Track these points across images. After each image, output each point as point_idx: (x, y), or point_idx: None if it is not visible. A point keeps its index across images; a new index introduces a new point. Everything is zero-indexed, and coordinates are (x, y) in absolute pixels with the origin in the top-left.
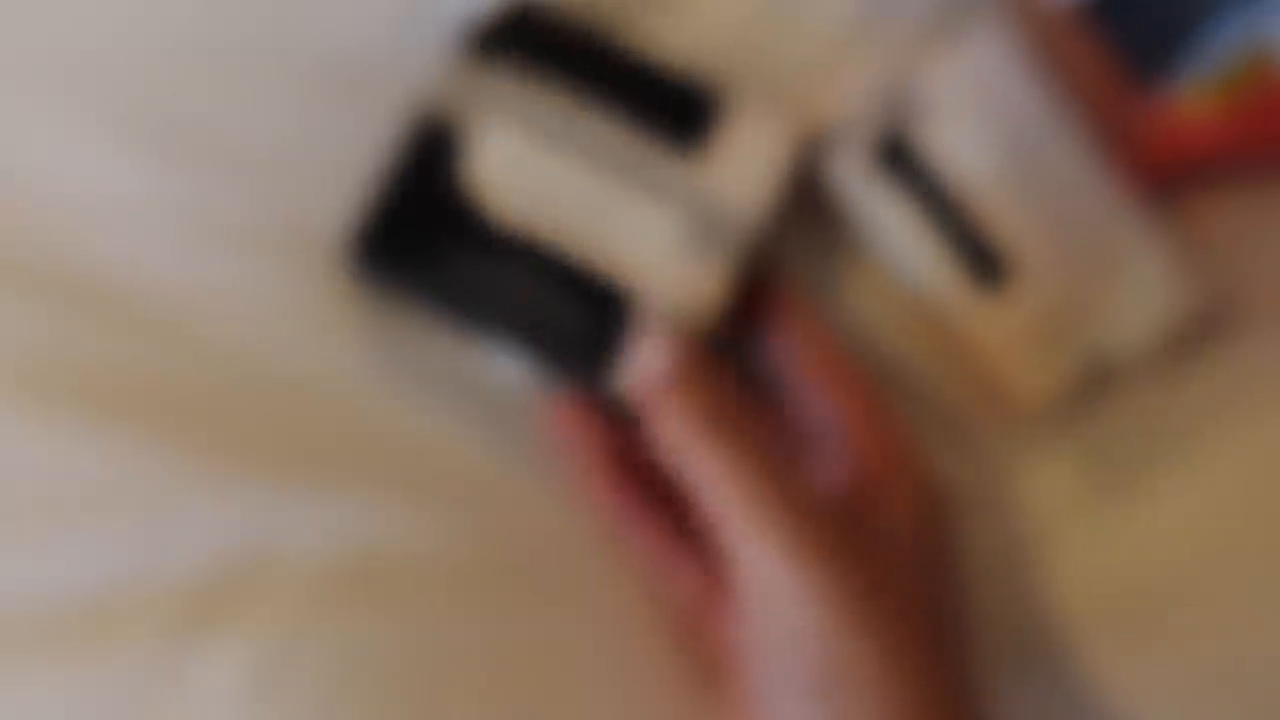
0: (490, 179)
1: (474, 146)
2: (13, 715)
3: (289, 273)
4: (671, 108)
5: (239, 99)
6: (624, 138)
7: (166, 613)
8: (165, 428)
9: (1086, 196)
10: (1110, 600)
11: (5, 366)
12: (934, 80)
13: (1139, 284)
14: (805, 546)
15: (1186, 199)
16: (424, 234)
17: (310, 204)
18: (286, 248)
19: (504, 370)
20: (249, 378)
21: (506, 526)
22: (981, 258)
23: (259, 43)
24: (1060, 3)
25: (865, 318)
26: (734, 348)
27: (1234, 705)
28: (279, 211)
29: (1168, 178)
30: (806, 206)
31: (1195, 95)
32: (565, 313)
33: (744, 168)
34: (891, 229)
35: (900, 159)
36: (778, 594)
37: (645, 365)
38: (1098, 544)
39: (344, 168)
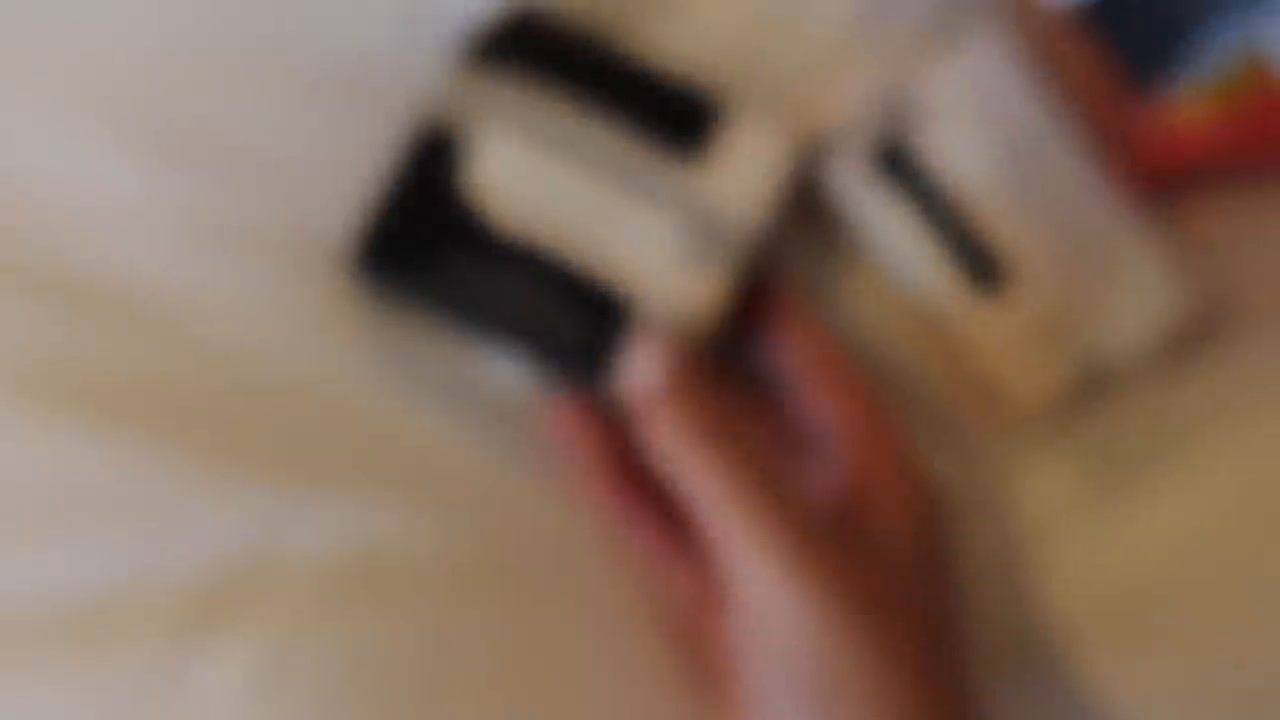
0: (491, 184)
1: (475, 152)
2: (18, 715)
3: (290, 276)
4: (671, 114)
5: (241, 103)
6: (623, 144)
7: (169, 613)
8: (167, 430)
9: (1084, 199)
10: (1108, 601)
11: (7, 368)
12: (932, 85)
13: (1136, 286)
14: (801, 563)
15: (1184, 201)
16: (425, 239)
17: (311, 208)
18: (288, 251)
19: (504, 373)
20: (251, 380)
21: (506, 527)
22: (980, 261)
23: (261, 47)
24: (1058, 7)
25: (864, 320)
26: (734, 350)
27: (1231, 706)
28: (280, 215)
29: (1165, 181)
30: (806, 210)
31: (1192, 99)
32: (565, 317)
33: (743, 173)
34: (890, 232)
35: (899, 163)
36: (774, 610)
37: (640, 373)
38: (1095, 545)
39: (345, 172)
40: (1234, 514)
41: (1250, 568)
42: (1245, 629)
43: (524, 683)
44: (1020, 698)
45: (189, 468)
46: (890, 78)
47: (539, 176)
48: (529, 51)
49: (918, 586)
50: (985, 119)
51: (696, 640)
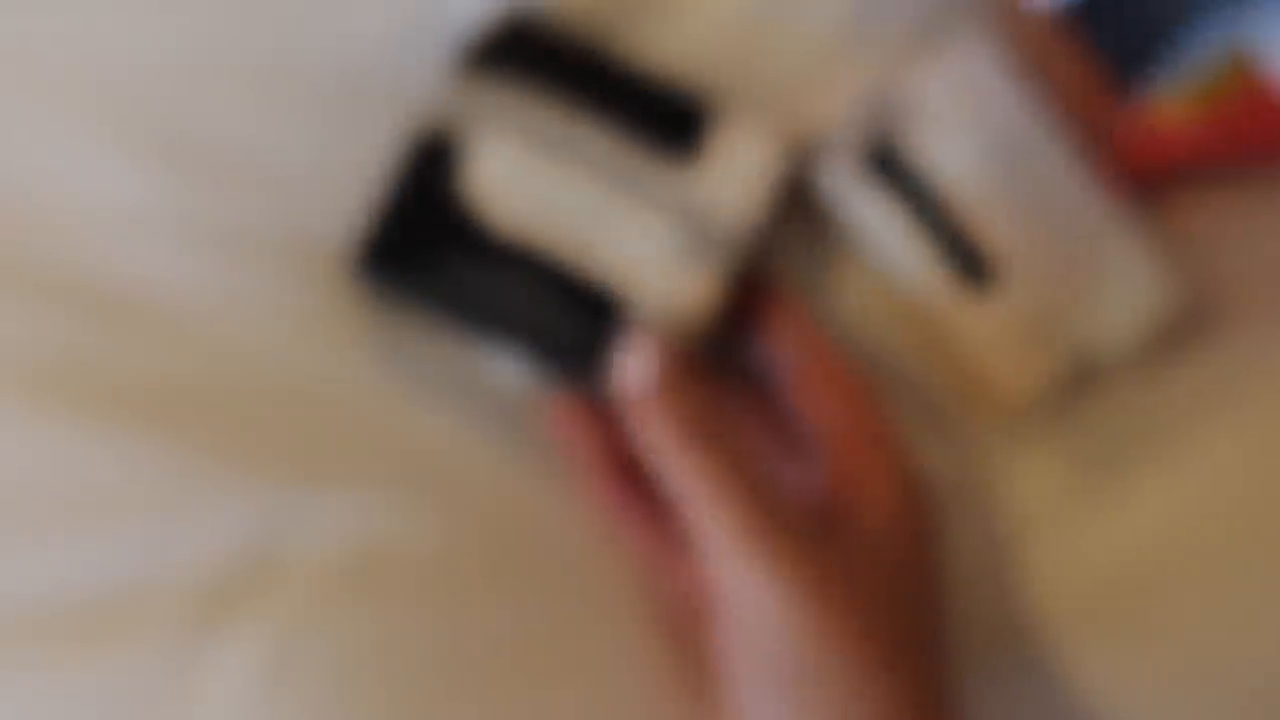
0: (488, 188)
1: (472, 156)
2: (32, 708)
3: (292, 278)
4: (664, 117)
5: (244, 110)
6: (618, 147)
7: (177, 610)
8: (173, 430)
9: (1070, 198)
10: (1094, 596)
11: (16, 370)
12: (921, 87)
13: (1122, 283)
14: (780, 561)
15: (1168, 197)
16: (424, 241)
17: (313, 212)
18: (290, 254)
19: (503, 372)
20: (254, 380)
21: (506, 523)
22: (968, 259)
23: (263, 56)
24: (1043, 8)
25: (854, 317)
26: (727, 349)
27: (1216, 699)
28: (282, 219)
29: (1149, 179)
30: (797, 210)
31: (1176, 98)
32: (561, 317)
33: (735, 175)
34: (880, 231)
35: (888, 163)
36: (753, 606)
37: (632, 371)
38: (1082, 540)
39: (346, 177)
40: (1218, 509)
41: (1237, 560)
42: (1228, 622)
43: (525, 676)
44: (1005, 691)
45: (195, 467)
46: (880, 80)
47: (535, 180)
48: (524, 58)
49: (901, 583)
50: (973, 119)
51: (690, 638)
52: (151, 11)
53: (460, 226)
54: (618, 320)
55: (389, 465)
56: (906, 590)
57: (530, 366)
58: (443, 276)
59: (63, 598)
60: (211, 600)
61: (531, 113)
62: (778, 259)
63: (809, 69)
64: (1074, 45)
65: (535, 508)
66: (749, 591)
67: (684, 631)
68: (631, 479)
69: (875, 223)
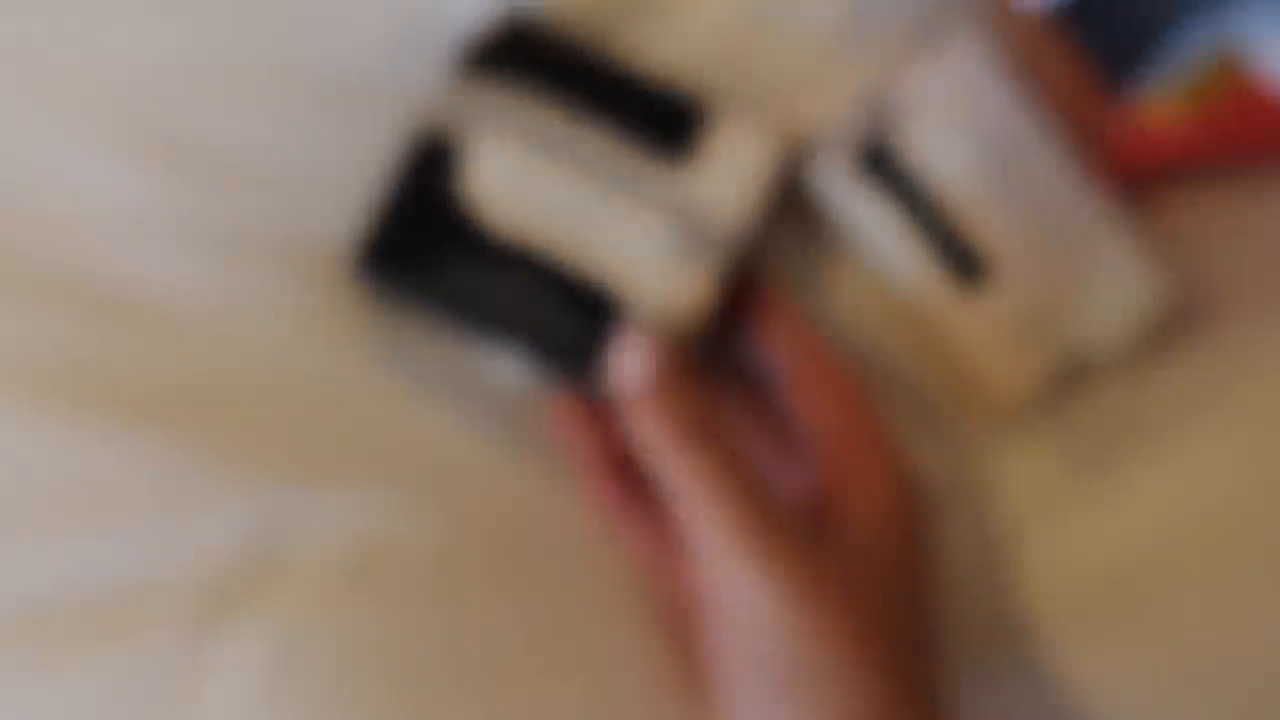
0: (486, 189)
1: (470, 158)
2: (33, 709)
3: (294, 279)
4: (658, 118)
5: (245, 114)
6: (613, 148)
7: (180, 609)
8: (176, 430)
9: (1062, 196)
10: (1086, 595)
11: (24, 370)
12: (914, 87)
13: (1113, 281)
14: (769, 559)
15: (1158, 198)
16: (424, 242)
17: (314, 214)
18: (291, 255)
19: (503, 372)
20: (256, 380)
21: (505, 520)
22: (961, 258)
23: (265, 60)
24: (1034, 8)
25: (848, 317)
26: (722, 347)
27: (1209, 697)
28: (284, 221)
29: (1139, 178)
30: (792, 209)
31: (1166, 98)
32: (559, 316)
33: (729, 175)
34: (874, 231)
35: (881, 163)
36: (744, 604)
37: (627, 369)
38: (1075, 537)
39: (347, 180)
40: (1213, 505)
41: (1229, 558)
42: (1224, 619)
43: (526, 676)
44: (999, 687)
45: (196, 466)
46: (875, 81)
47: (532, 180)
48: (521, 60)
49: (895, 583)
50: (965, 119)
51: (686, 637)
52: (152, 13)
53: (459, 227)
54: (614, 318)
55: (389, 464)
56: (900, 590)
57: (529, 366)
58: (442, 276)
59: (64, 597)
60: (212, 600)
61: (530, 114)
62: (772, 258)
63: (805, 70)
64: (1064, 45)
65: (535, 507)
66: (743, 591)
67: (681, 632)
68: (629, 479)
69: (869, 222)
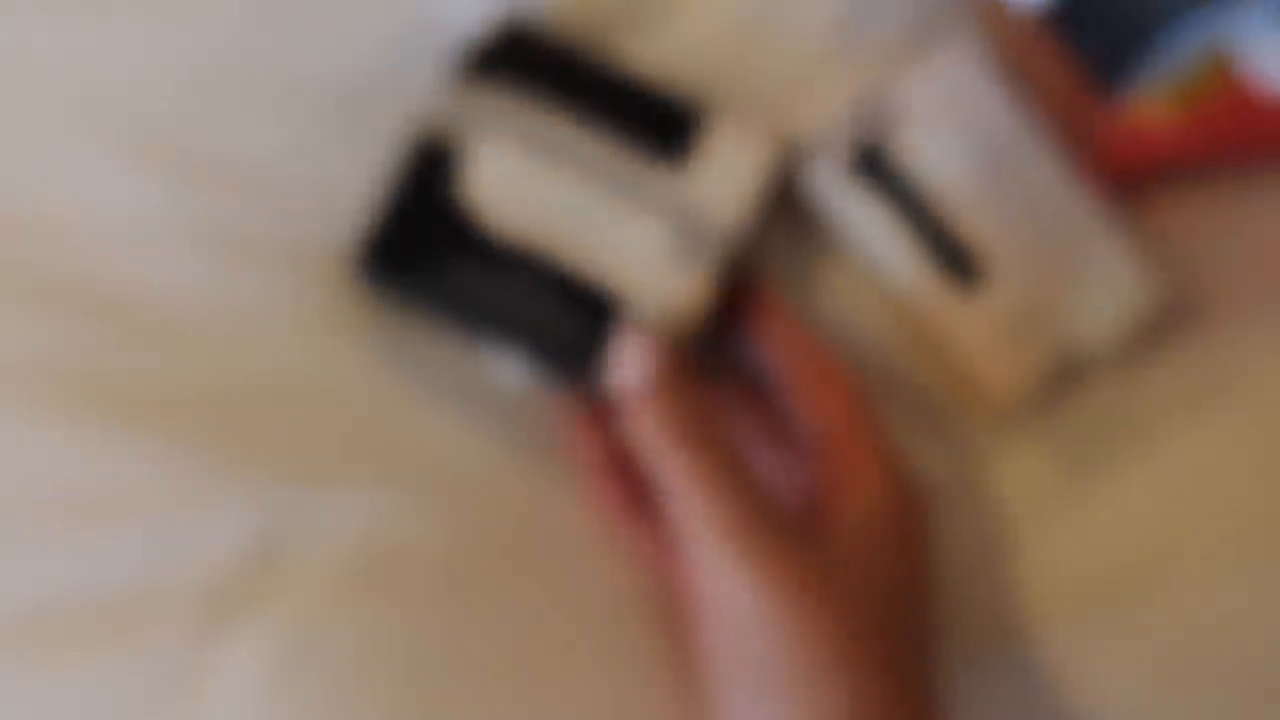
0: (486, 192)
1: (470, 162)
2: (37, 709)
3: (296, 282)
4: (656, 121)
5: (249, 121)
6: (611, 151)
7: (184, 610)
8: (179, 432)
9: (1054, 198)
10: (1081, 593)
11: (27, 373)
12: (908, 90)
13: (1106, 280)
14: (770, 560)
15: (1149, 198)
16: (424, 245)
17: (316, 216)
18: (293, 258)
19: (503, 373)
20: (259, 382)
21: (509, 523)
22: (955, 259)
23: (266, 68)
24: (1025, 11)
25: (844, 317)
26: (720, 348)
27: (1204, 693)
28: (287, 226)
29: (1130, 179)
30: (787, 211)
31: (1156, 99)
32: (558, 317)
33: (725, 178)
34: (869, 232)
35: (876, 165)
36: (745, 607)
37: (626, 370)
38: (1069, 535)
39: (348, 184)
40: (1206, 503)
41: (1223, 555)
42: (1218, 616)
43: (528, 675)
44: (997, 689)
45: (199, 468)
46: (868, 85)
47: (531, 183)
48: (519, 64)
49: (893, 583)
50: (958, 121)
51: (684, 636)
52: (154, 18)
53: (459, 229)
54: (613, 320)
55: (391, 466)
56: (898, 590)
57: (529, 367)
58: (442, 279)
59: (66, 598)
60: (215, 600)
61: (529, 117)
62: (769, 259)
63: (800, 73)
64: (1056, 47)
65: (536, 507)
66: (740, 591)
67: (676, 629)
68: (629, 479)
69: (864, 223)
